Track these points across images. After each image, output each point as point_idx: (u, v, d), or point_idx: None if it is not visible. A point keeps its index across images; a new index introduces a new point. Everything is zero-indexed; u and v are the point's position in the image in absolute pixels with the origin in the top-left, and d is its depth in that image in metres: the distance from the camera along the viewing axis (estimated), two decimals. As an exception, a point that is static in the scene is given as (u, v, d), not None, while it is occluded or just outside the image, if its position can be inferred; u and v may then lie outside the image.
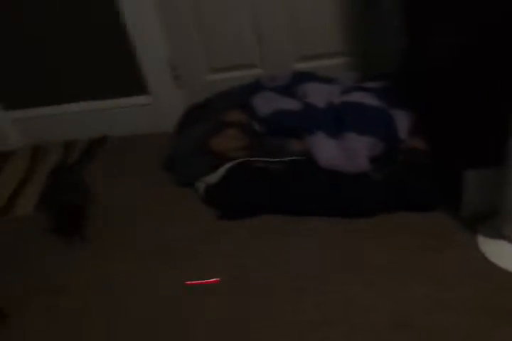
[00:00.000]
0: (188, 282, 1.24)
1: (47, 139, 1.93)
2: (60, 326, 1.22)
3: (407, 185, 1.35)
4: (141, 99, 1.86)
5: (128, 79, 1.81)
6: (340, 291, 1.19)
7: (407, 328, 1.09)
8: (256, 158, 1.46)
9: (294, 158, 1.43)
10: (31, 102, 1.90)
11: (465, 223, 1.30)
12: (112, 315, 1.22)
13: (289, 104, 1.54)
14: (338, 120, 1.42)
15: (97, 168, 1.75)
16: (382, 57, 1.66)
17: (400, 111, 1.45)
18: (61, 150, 1.89)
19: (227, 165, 1.47)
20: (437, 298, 1.14)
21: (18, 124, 1.93)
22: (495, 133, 1.13)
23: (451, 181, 1.31)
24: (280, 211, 1.42)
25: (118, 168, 1.73)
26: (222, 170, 1.48)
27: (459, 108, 1.25)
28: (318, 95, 1.50)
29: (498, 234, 1.22)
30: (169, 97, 1.83)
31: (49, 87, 1.87)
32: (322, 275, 1.24)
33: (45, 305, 1.27)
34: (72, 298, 1.28)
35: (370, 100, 1.44)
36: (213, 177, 1.49)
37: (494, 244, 1.23)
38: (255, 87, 1.68)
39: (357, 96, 1.46)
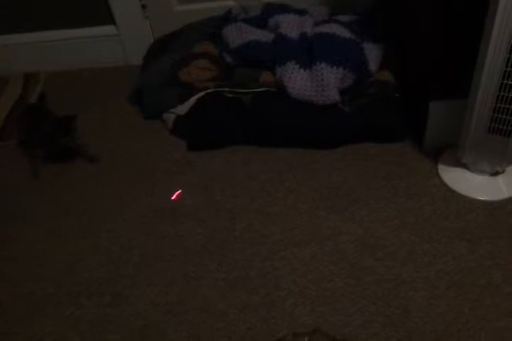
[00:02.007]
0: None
1: (6, 70, 1.84)
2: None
3: (374, 117, 1.38)
4: (106, 30, 1.78)
5: (92, 7, 1.72)
6: (309, 216, 1.25)
7: (371, 248, 1.16)
8: (226, 89, 1.46)
9: (264, 88, 1.44)
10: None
11: (427, 153, 1.36)
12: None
13: (261, 36, 1.52)
14: (310, 51, 1.41)
15: (61, 102, 1.70)
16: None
17: (370, 45, 1.47)
18: (21, 83, 1.82)
19: (197, 96, 1.46)
20: (400, 221, 1.21)
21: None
22: (461, 64, 1.16)
23: (417, 113, 1.35)
24: (249, 141, 1.44)
25: (83, 102, 1.69)
26: (191, 101, 1.47)
27: (428, 39, 1.28)
28: (291, 26, 1.48)
29: (457, 163, 1.29)
30: (136, 28, 1.76)
31: (7, 14, 1.76)
32: (291, 201, 1.29)
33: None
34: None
35: (342, 32, 1.43)
36: (182, 108, 1.48)
37: (453, 172, 1.30)
38: (226, 18, 1.64)
39: (330, 28, 1.45)
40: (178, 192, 1.31)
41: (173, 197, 1.31)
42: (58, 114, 1.48)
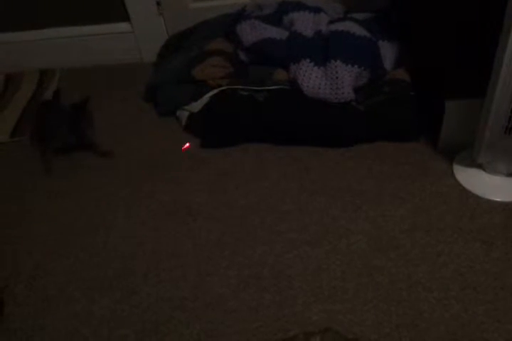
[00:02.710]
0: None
1: (21, 67, 1.86)
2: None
3: (389, 116, 1.37)
4: (121, 27, 1.78)
5: (107, 4, 1.73)
6: (323, 215, 1.24)
7: (385, 248, 1.15)
8: (240, 86, 1.45)
9: (278, 86, 1.43)
10: (3, 27, 1.80)
11: (442, 153, 1.35)
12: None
13: (276, 33, 1.51)
14: (325, 49, 1.40)
15: (75, 99, 1.69)
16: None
17: (386, 43, 1.45)
18: (36, 79, 1.83)
19: (211, 93, 1.46)
20: (414, 221, 1.20)
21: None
22: (478, 63, 1.15)
23: (432, 113, 1.34)
24: (263, 140, 1.43)
25: (97, 99, 1.70)
26: (205, 98, 1.47)
27: (444, 37, 1.27)
28: (306, 24, 1.48)
29: (472, 163, 1.28)
30: (151, 25, 1.77)
31: (23, 10, 1.77)
32: (304, 199, 1.29)
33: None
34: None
35: (357, 30, 1.42)
36: (196, 106, 1.48)
37: (468, 172, 1.29)
38: (241, 15, 1.64)
39: (345, 26, 1.44)
40: (187, 145, 1.39)
41: (184, 147, 1.39)
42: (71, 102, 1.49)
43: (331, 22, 1.52)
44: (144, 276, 1.15)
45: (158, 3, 1.73)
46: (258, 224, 1.24)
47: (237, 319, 1.06)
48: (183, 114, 1.52)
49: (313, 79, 1.37)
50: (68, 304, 1.12)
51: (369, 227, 1.20)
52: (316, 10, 1.55)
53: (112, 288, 1.14)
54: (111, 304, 1.11)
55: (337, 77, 1.35)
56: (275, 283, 1.11)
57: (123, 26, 1.79)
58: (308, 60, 1.39)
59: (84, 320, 1.09)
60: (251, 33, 1.53)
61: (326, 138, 1.39)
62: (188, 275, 1.15)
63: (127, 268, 1.18)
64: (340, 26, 1.45)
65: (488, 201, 1.23)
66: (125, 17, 1.77)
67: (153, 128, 1.56)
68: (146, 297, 1.11)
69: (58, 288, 1.16)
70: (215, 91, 1.47)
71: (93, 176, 1.43)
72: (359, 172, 1.34)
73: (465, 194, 1.25)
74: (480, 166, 1.28)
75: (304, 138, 1.41)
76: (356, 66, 1.36)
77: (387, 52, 1.44)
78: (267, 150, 1.42)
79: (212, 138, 1.46)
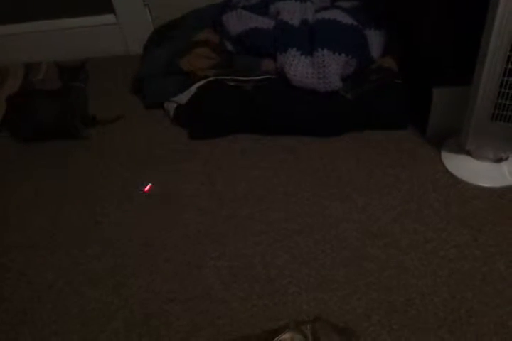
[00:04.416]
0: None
1: (5, 61, 1.83)
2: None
3: (377, 104, 1.37)
4: (106, 18, 1.77)
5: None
6: (312, 204, 1.25)
7: (374, 236, 1.16)
8: (227, 77, 1.44)
9: (265, 76, 1.42)
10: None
11: (431, 140, 1.35)
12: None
13: (262, 23, 1.49)
14: (312, 38, 1.39)
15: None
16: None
17: (373, 31, 1.44)
18: (21, 73, 1.81)
19: (198, 84, 1.45)
20: (403, 208, 1.21)
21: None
22: (465, 50, 1.15)
23: (420, 100, 1.33)
24: (251, 130, 1.43)
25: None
26: (192, 89, 1.45)
27: (431, 25, 1.26)
28: (292, 13, 1.46)
29: (460, 150, 1.28)
30: (136, 16, 1.75)
31: (6, 4, 1.74)
32: (293, 189, 1.29)
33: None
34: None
35: (344, 18, 1.41)
36: (183, 97, 1.47)
37: (456, 159, 1.29)
38: (227, 5, 1.62)
39: (331, 14, 1.42)
40: (150, 185, 1.33)
41: (145, 189, 1.33)
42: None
43: (318, 11, 1.50)
44: (134, 269, 1.15)
45: (142, -6, 1.72)
46: (247, 214, 1.24)
47: (228, 309, 1.06)
48: (171, 106, 1.50)
49: (300, 68, 1.36)
50: (58, 298, 1.12)
51: (358, 215, 1.20)
52: (302, -1, 1.55)
53: (103, 282, 1.14)
54: (101, 298, 1.11)
55: (324, 66, 1.34)
56: (265, 273, 1.11)
57: (108, 18, 1.77)
58: (295, 49, 1.38)
59: (74, 314, 1.09)
60: (237, 22, 1.52)
61: (314, 128, 1.39)
62: (178, 267, 1.15)
63: (117, 261, 1.17)
64: (326, 15, 1.43)
65: (476, 187, 1.23)
66: (110, 9, 1.75)
67: (141, 120, 1.55)
68: (136, 290, 1.11)
69: (47, 283, 1.15)
70: (202, 82, 1.46)
71: (81, 169, 1.42)
72: (348, 160, 1.34)
73: (453, 180, 1.25)
74: (468, 152, 1.28)
75: (292, 128, 1.40)
76: (343, 55, 1.35)
77: (375, 40, 1.43)
78: (255, 141, 1.42)
79: (200, 129, 1.45)
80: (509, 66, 1.05)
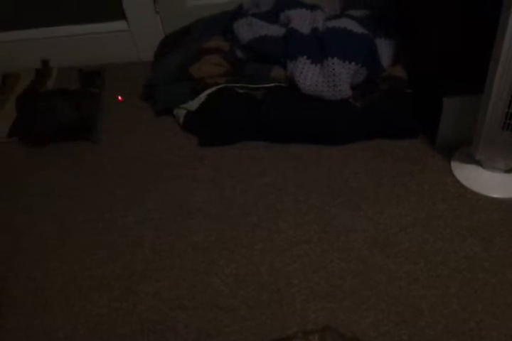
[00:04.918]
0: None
1: (18, 66, 1.84)
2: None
3: (386, 113, 1.37)
4: (117, 25, 1.77)
5: (103, 2, 1.72)
6: (321, 213, 1.24)
7: (383, 246, 1.15)
8: (237, 84, 1.45)
9: (275, 84, 1.42)
10: (0, 26, 1.79)
11: (441, 150, 1.35)
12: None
13: (272, 30, 1.50)
14: (322, 46, 1.39)
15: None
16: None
17: (383, 40, 1.45)
18: (32, 78, 1.83)
19: (208, 91, 1.46)
20: (412, 218, 1.20)
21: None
22: (476, 59, 1.15)
23: (430, 109, 1.33)
24: (260, 137, 1.43)
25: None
26: (202, 96, 1.46)
27: (441, 34, 1.26)
28: (302, 21, 1.47)
29: (471, 160, 1.27)
30: (148, 23, 1.76)
31: (20, 9, 1.76)
32: (302, 197, 1.28)
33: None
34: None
35: (354, 27, 1.41)
36: (193, 104, 1.47)
37: (467, 169, 1.29)
38: (237, 13, 1.63)
39: (341, 23, 1.43)
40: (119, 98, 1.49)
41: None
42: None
43: (328, 19, 1.51)
44: (142, 275, 1.15)
45: (154, 2, 1.72)
46: (256, 222, 1.24)
47: (236, 317, 1.05)
48: (181, 113, 1.51)
49: (310, 76, 1.36)
50: (66, 303, 1.12)
51: (367, 225, 1.20)
52: (313, 7, 1.55)
53: (111, 288, 1.14)
54: (109, 303, 1.11)
55: (334, 74, 1.34)
56: (273, 282, 1.11)
57: (119, 25, 1.78)
58: (305, 57, 1.39)
59: (82, 319, 1.09)
60: (248, 30, 1.53)
61: (323, 136, 1.39)
62: (186, 274, 1.15)
63: (126, 267, 1.17)
64: (337, 23, 1.44)
65: (487, 197, 1.22)
66: (122, 15, 1.76)
67: (151, 126, 1.55)
68: (144, 296, 1.11)
69: (56, 288, 1.15)
70: (213, 89, 1.46)
71: (89, 175, 1.42)
72: (357, 169, 1.33)
73: (463, 190, 1.25)
74: (478, 163, 1.27)
75: (301, 136, 1.40)
76: (353, 63, 1.35)
77: (384, 49, 1.43)
78: (264, 148, 1.42)
79: (210, 137, 1.46)
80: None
